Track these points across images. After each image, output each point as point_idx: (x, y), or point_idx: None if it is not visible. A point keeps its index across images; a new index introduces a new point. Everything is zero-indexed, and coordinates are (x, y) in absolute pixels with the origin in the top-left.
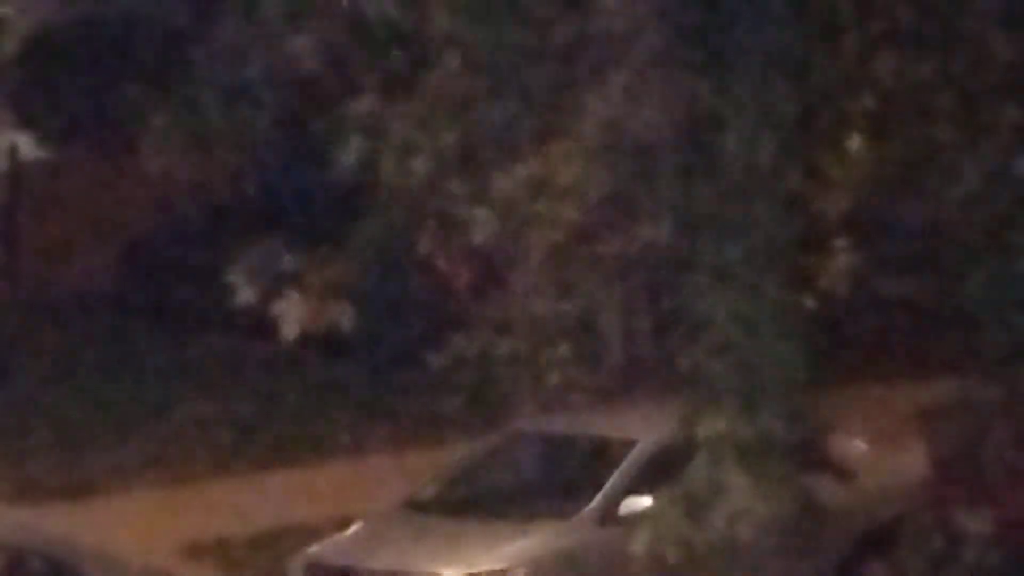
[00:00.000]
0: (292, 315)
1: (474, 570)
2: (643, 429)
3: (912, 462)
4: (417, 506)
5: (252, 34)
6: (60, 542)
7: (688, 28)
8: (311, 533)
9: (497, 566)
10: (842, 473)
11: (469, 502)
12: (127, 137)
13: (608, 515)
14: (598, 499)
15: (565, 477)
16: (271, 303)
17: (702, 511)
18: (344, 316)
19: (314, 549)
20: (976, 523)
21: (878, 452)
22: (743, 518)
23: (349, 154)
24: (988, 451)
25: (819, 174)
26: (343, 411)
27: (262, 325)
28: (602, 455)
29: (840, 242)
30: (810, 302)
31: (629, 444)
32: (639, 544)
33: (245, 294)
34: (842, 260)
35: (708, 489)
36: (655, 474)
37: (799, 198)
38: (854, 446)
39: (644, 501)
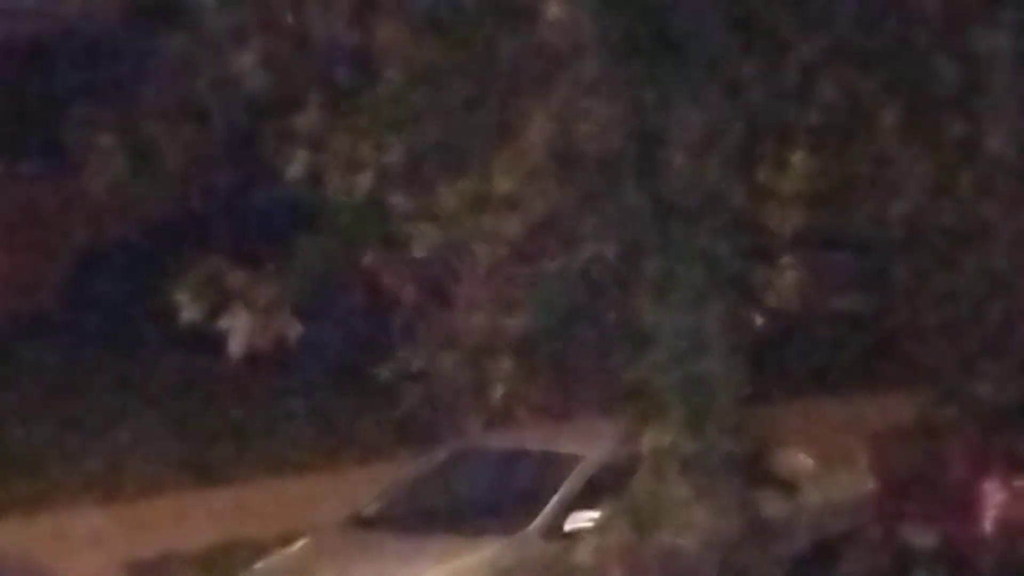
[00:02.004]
0: (239, 331)
1: None
2: (588, 444)
3: (859, 478)
4: (363, 522)
5: (197, 51)
6: (5, 559)
7: (632, 44)
8: (257, 549)
9: None
10: (788, 488)
11: (415, 518)
12: (71, 157)
13: (554, 530)
14: (544, 514)
15: (511, 493)
16: (217, 320)
17: (647, 524)
18: (291, 331)
19: (260, 565)
20: (923, 539)
21: (825, 467)
22: (688, 531)
23: (294, 169)
24: (938, 469)
25: (765, 190)
26: (289, 427)
27: (208, 342)
28: (547, 470)
29: (788, 258)
30: (757, 318)
31: (574, 459)
32: (584, 556)
33: (190, 311)
34: (790, 276)
35: (653, 502)
36: (600, 489)
37: (745, 214)
38: (800, 461)
39: (590, 516)
